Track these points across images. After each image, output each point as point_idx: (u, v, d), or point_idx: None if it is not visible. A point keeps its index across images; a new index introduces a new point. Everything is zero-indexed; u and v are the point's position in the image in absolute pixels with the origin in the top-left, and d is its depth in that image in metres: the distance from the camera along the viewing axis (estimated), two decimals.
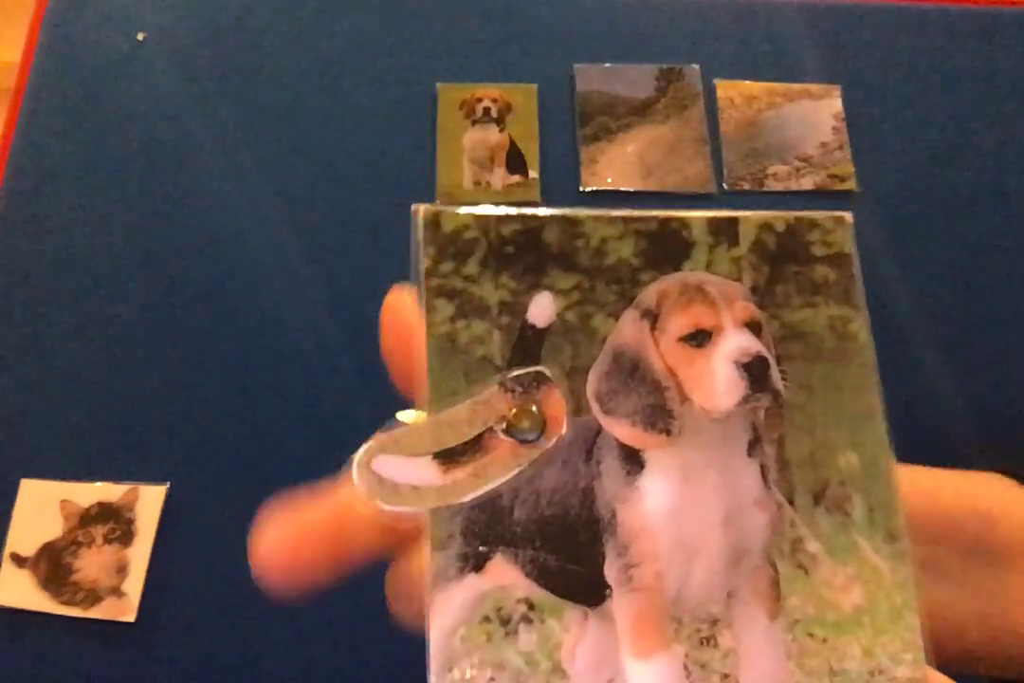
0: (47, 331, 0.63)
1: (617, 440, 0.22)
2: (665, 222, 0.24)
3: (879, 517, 0.22)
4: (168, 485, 0.58)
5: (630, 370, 0.23)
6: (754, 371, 0.22)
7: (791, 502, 0.22)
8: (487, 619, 0.22)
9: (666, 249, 0.24)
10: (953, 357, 0.64)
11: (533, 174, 0.68)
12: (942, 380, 0.63)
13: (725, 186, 0.69)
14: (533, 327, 0.23)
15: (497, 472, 0.22)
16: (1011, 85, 0.74)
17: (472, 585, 0.22)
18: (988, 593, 0.27)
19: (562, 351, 0.23)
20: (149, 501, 0.58)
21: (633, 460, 0.22)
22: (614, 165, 0.69)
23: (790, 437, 0.23)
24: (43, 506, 0.58)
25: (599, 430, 0.22)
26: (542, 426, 0.22)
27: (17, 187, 0.68)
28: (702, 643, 0.22)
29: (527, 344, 0.23)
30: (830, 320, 0.24)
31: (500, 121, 0.70)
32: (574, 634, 0.21)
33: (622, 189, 0.68)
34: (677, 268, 0.24)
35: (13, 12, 0.91)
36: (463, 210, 0.24)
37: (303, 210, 0.67)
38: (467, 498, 0.22)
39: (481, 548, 0.22)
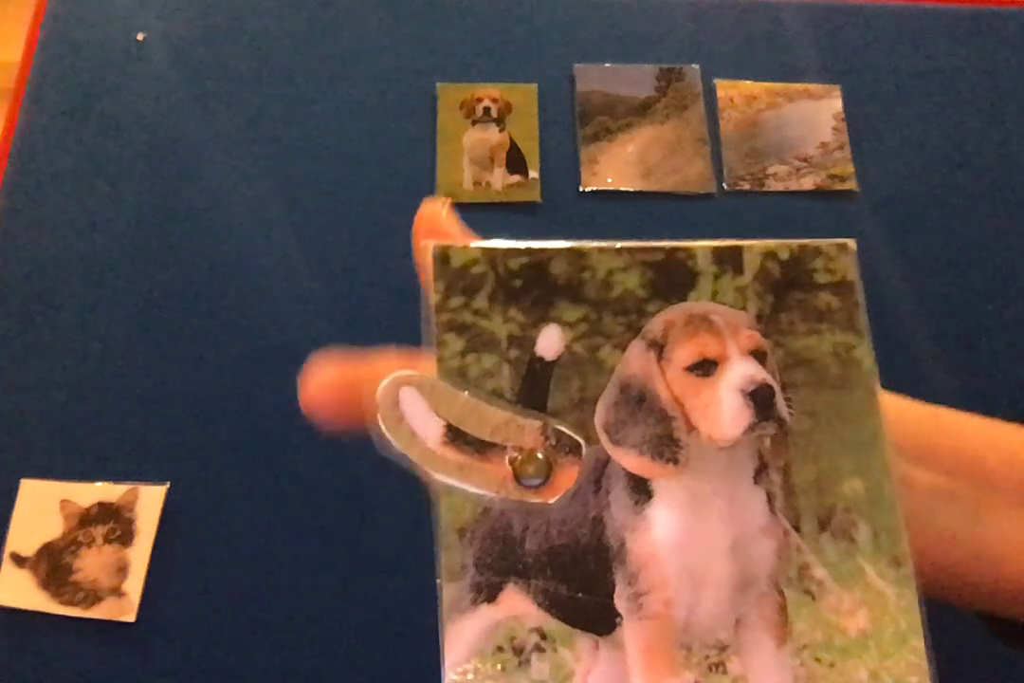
0: (47, 331, 0.63)
1: (625, 470, 0.23)
2: (670, 252, 0.24)
3: (884, 542, 0.23)
4: (168, 485, 0.58)
5: (637, 400, 0.23)
6: (760, 399, 0.22)
7: (797, 529, 0.23)
8: (500, 649, 0.22)
9: (671, 279, 0.24)
10: (953, 357, 0.64)
11: (533, 174, 0.68)
12: (942, 380, 0.63)
13: (725, 186, 0.69)
14: (542, 359, 0.24)
15: (479, 484, 0.22)
16: (1011, 85, 0.74)
17: (485, 615, 0.22)
18: (999, 529, 0.27)
19: (571, 383, 0.23)
20: (149, 501, 0.58)
21: (641, 490, 0.22)
22: (614, 165, 0.69)
23: (796, 464, 0.23)
24: (43, 506, 0.58)
25: (608, 460, 0.23)
26: (546, 475, 0.22)
27: (17, 187, 0.68)
28: (711, 669, 0.22)
29: (536, 377, 0.23)
30: (834, 347, 0.24)
31: (500, 121, 0.70)
32: (586, 663, 0.22)
33: (622, 189, 0.68)
34: (683, 298, 0.24)
35: (13, 12, 0.91)
36: (472, 245, 0.25)
37: (303, 210, 0.67)
38: (438, 477, 0.22)
39: (493, 579, 0.22)
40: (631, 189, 0.68)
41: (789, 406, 0.23)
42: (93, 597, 0.56)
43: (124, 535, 0.57)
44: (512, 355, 0.24)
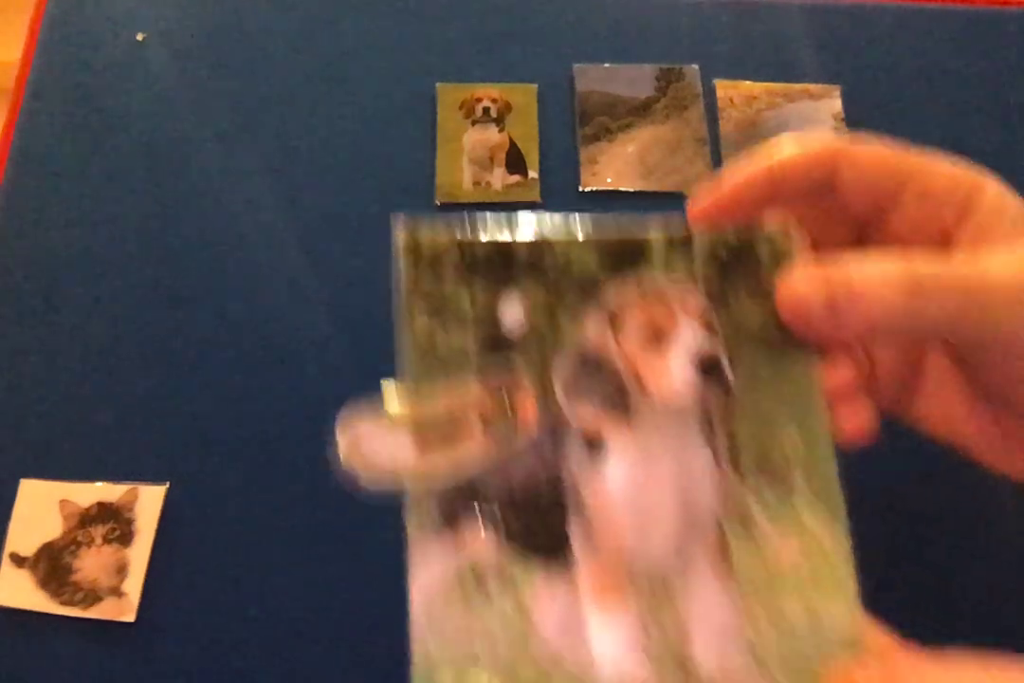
0: (47, 331, 0.63)
1: (583, 430, 0.25)
2: (623, 237, 0.26)
3: (818, 488, 0.25)
4: (168, 485, 0.58)
5: (595, 366, 0.25)
6: (706, 366, 0.25)
7: (740, 478, 0.25)
8: (464, 587, 0.23)
9: (627, 259, 0.26)
10: None
11: (533, 174, 0.68)
12: None
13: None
14: (505, 330, 0.26)
15: (470, 461, 0.24)
16: (1011, 85, 0.74)
17: (449, 558, 0.24)
18: None
19: (531, 351, 0.25)
20: (149, 501, 0.58)
21: (596, 447, 0.25)
22: (614, 165, 0.69)
23: (739, 422, 0.25)
24: (42, 506, 0.58)
25: (566, 423, 0.25)
26: (515, 427, 0.24)
27: (17, 187, 0.68)
28: (657, 604, 0.23)
29: (499, 346, 0.25)
30: (775, 316, 0.26)
31: (500, 121, 0.70)
32: (548, 594, 0.24)
33: (622, 189, 0.68)
34: (634, 271, 0.26)
35: (12, 12, 0.91)
36: (440, 234, 0.26)
37: (302, 210, 0.67)
38: (440, 483, 0.24)
39: (459, 513, 0.24)
40: (631, 189, 0.68)
41: (732, 370, 0.25)
42: (93, 597, 0.56)
43: (124, 535, 0.57)
44: (479, 326, 0.26)
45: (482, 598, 0.24)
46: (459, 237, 0.27)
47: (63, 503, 0.58)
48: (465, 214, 0.27)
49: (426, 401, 0.25)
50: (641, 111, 0.71)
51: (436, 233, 0.27)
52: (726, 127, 0.71)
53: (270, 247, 0.66)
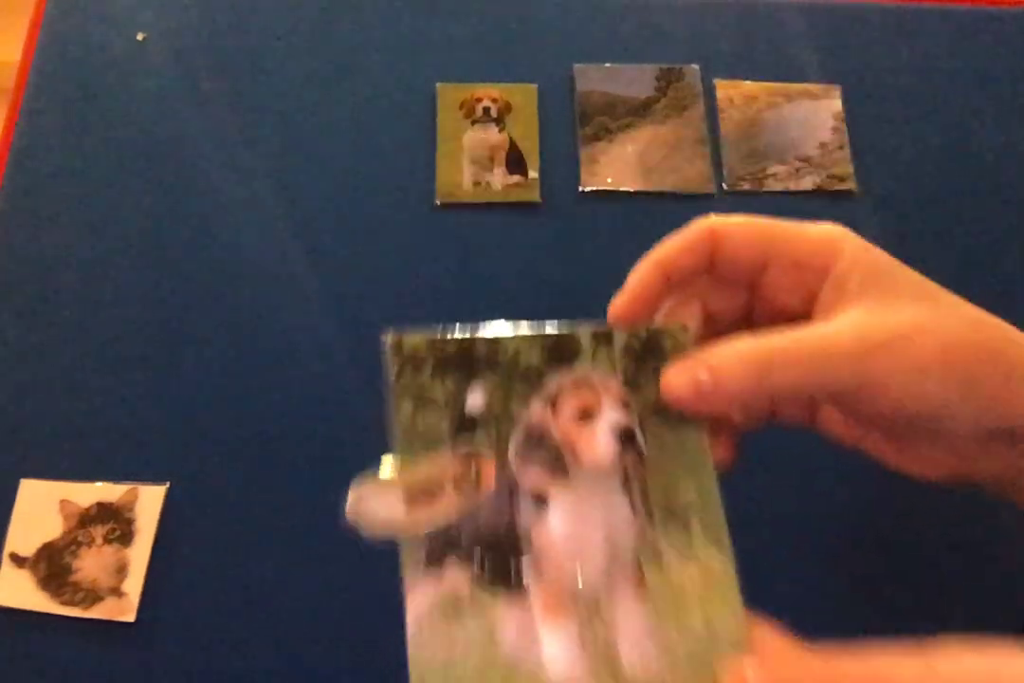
0: (47, 331, 0.63)
1: (531, 488, 0.32)
2: (560, 337, 0.34)
3: (711, 532, 0.32)
4: (168, 485, 0.58)
5: (539, 440, 0.33)
6: (624, 437, 0.32)
7: (651, 522, 0.32)
8: (445, 611, 0.31)
9: (562, 354, 0.34)
10: None
11: (533, 174, 0.68)
12: None
13: (725, 186, 0.69)
14: (470, 414, 0.33)
15: (444, 515, 0.32)
16: (1011, 85, 0.74)
17: (433, 588, 0.31)
18: None
19: (490, 428, 0.33)
20: (149, 501, 0.58)
21: (541, 501, 0.32)
22: (614, 165, 0.69)
23: (649, 480, 0.33)
24: (42, 506, 0.58)
25: (517, 482, 0.32)
26: (479, 487, 0.32)
27: (17, 187, 0.68)
28: (591, 620, 0.31)
29: (466, 425, 0.33)
30: None
31: (500, 121, 0.70)
32: (508, 614, 0.31)
33: (622, 189, 0.68)
34: (570, 366, 0.34)
35: (12, 12, 0.91)
36: (418, 337, 0.35)
37: (302, 210, 0.67)
38: (424, 532, 0.32)
39: (440, 554, 0.32)
40: (631, 189, 0.68)
41: (644, 439, 0.33)
42: (93, 597, 0.56)
43: (124, 535, 0.57)
44: (448, 412, 0.33)
45: (458, 619, 0.31)
46: (432, 339, 0.35)
47: (63, 503, 0.58)
48: (440, 326, 0.35)
49: (411, 469, 0.32)
50: (641, 111, 0.71)
51: (415, 338, 0.35)
52: (726, 127, 0.71)
53: (270, 247, 0.66)
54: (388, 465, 0.33)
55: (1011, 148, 0.72)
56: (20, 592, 0.56)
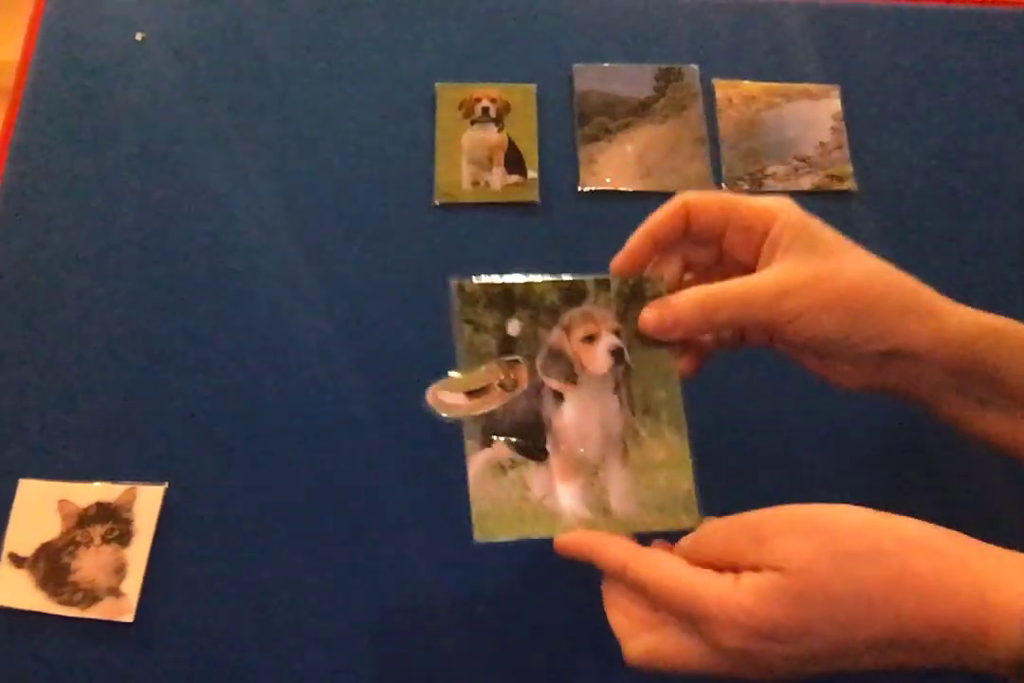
0: (46, 331, 0.63)
1: (551, 389, 0.45)
2: (573, 283, 0.46)
3: (674, 422, 0.45)
4: (166, 485, 0.58)
5: (557, 355, 0.45)
6: (616, 355, 0.45)
7: (633, 414, 0.45)
8: (494, 470, 0.44)
9: (573, 295, 0.46)
10: None
11: (532, 174, 0.68)
12: None
13: (724, 186, 0.69)
14: (511, 337, 0.45)
15: (493, 403, 0.44)
16: (1010, 85, 0.74)
17: (487, 453, 0.44)
18: None
19: (524, 348, 0.45)
20: (147, 501, 0.58)
21: (558, 398, 0.45)
22: (613, 165, 0.69)
23: (634, 385, 0.45)
24: (41, 506, 0.58)
25: (542, 384, 0.45)
26: (516, 387, 0.45)
27: (16, 187, 0.68)
28: (591, 480, 0.44)
29: (508, 345, 0.45)
30: None
31: (499, 121, 0.70)
32: (537, 474, 0.44)
33: (621, 189, 0.68)
34: (579, 304, 0.46)
35: (12, 11, 0.91)
36: (474, 281, 0.45)
37: (302, 209, 0.67)
38: (480, 412, 0.44)
39: (490, 436, 0.44)
40: (630, 189, 0.68)
41: (630, 356, 0.45)
42: (91, 597, 0.56)
43: (122, 535, 0.57)
44: (497, 335, 0.45)
45: (503, 475, 0.44)
46: (484, 283, 0.45)
47: (62, 503, 0.58)
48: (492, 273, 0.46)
49: (469, 374, 0.44)
50: (640, 111, 0.71)
51: (472, 282, 0.45)
52: (725, 127, 0.71)
53: (269, 246, 0.66)
54: (454, 374, 0.44)
55: (1010, 148, 0.72)
56: (19, 592, 0.56)
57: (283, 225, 0.67)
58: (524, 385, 0.44)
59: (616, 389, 0.44)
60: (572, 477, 0.43)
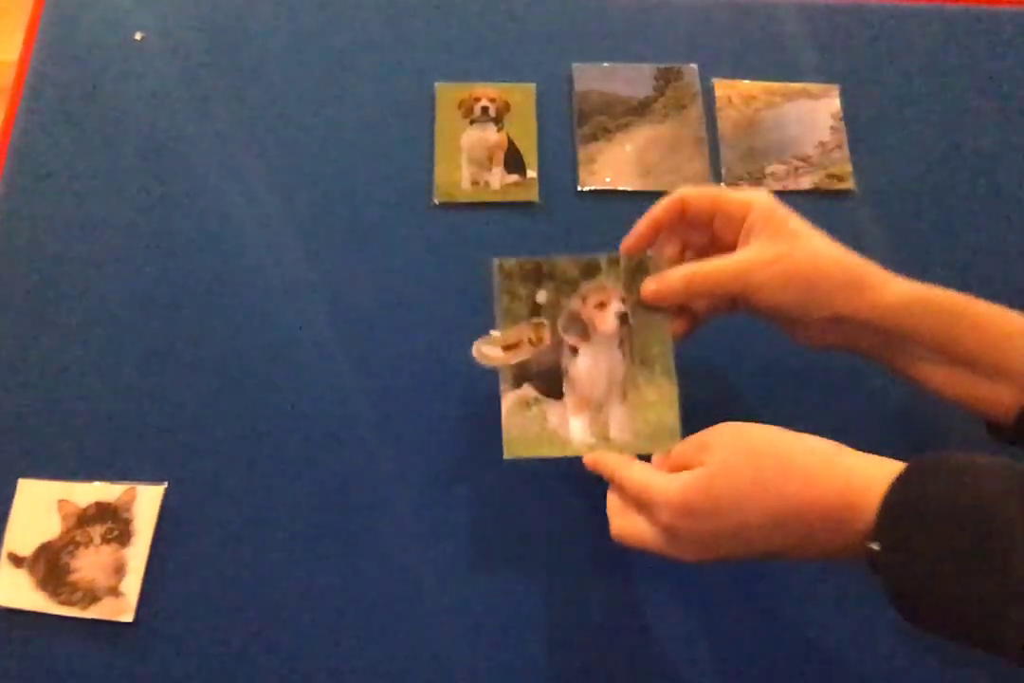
0: (46, 331, 0.63)
1: (569, 345, 0.55)
2: (589, 261, 0.55)
3: (666, 369, 0.54)
4: (166, 485, 0.59)
5: (574, 318, 0.55)
6: (621, 318, 0.54)
7: (633, 365, 0.54)
8: (521, 406, 0.54)
9: (590, 271, 0.55)
10: None
11: (531, 173, 0.68)
12: None
13: (723, 185, 0.69)
14: (539, 304, 0.55)
15: (523, 355, 0.54)
16: (1010, 85, 0.74)
17: (517, 393, 0.54)
18: None
19: (549, 312, 0.55)
20: (147, 501, 0.58)
21: (574, 351, 0.55)
22: (612, 164, 0.69)
23: (635, 342, 0.54)
24: (41, 506, 0.58)
25: (562, 340, 0.55)
26: (542, 343, 0.54)
27: (16, 186, 0.68)
28: (597, 415, 0.54)
29: (536, 310, 0.55)
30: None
31: (498, 120, 0.70)
32: (554, 409, 0.54)
33: (620, 188, 0.68)
34: (594, 278, 0.55)
35: (11, 11, 0.91)
36: (512, 260, 0.55)
37: (301, 209, 0.67)
38: (513, 362, 0.54)
39: (519, 380, 0.54)
40: (629, 188, 0.68)
41: (633, 319, 0.54)
42: (91, 597, 0.56)
43: (122, 535, 0.57)
44: (528, 302, 0.55)
45: (528, 410, 0.54)
46: (519, 261, 0.55)
47: (61, 503, 0.58)
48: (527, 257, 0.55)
49: (505, 332, 0.54)
50: (639, 110, 0.71)
51: (510, 261, 0.55)
52: (724, 126, 0.71)
53: (268, 246, 0.66)
54: (494, 333, 0.54)
55: (1009, 148, 0.72)
56: (18, 592, 0.56)
57: (283, 224, 0.67)
58: (548, 341, 0.54)
59: (620, 345, 0.54)
60: (582, 412, 0.54)
